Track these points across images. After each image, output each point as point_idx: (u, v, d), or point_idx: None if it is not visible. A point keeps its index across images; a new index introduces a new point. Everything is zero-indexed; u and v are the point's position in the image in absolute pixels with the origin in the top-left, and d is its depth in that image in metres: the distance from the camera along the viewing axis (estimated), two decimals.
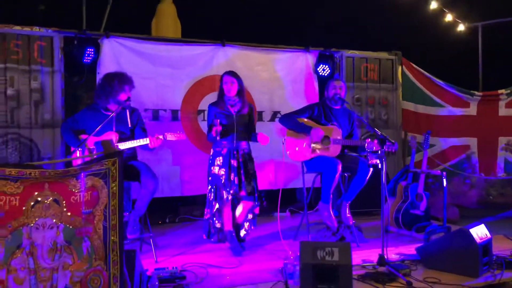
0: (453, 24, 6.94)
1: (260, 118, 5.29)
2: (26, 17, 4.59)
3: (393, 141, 3.50)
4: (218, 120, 3.62)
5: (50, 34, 4.42)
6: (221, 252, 3.70)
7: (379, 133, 3.45)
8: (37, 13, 5.23)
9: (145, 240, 3.67)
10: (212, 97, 4.58)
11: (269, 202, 5.53)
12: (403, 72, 6.00)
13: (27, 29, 4.34)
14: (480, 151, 6.09)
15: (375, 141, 3.73)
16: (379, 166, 3.37)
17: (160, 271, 2.96)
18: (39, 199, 2.23)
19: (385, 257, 3.21)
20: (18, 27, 4.31)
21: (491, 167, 6.02)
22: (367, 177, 3.88)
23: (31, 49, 4.34)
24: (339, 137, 3.93)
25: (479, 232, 3.12)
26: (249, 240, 4.00)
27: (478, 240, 3.03)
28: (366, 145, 3.77)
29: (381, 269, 3.13)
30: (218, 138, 3.61)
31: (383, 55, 5.92)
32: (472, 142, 6.14)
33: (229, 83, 3.77)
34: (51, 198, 2.24)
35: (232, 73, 3.82)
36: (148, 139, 3.53)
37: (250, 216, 3.87)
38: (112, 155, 2.33)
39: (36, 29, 4.37)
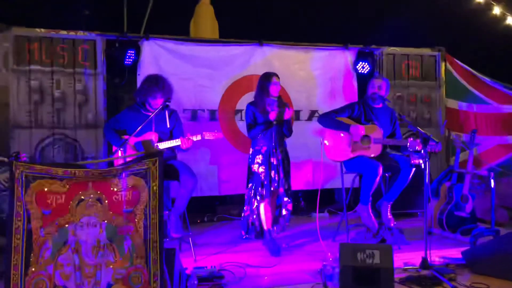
0: (501, 17, 6.61)
1: (298, 117, 5.25)
2: (72, 22, 4.76)
3: (436, 140, 3.37)
4: (270, 107, 3.75)
5: (93, 37, 4.57)
6: (259, 252, 3.70)
7: (422, 132, 3.33)
8: (82, 17, 5.43)
9: (184, 239, 3.72)
10: (249, 97, 4.58)
11: (307, 202, 5.48)
12: (446, 69, 5.79)
13: (72, 33, 4.52)
14: None
15: (418, 140, 3.60)
16: (422, 166, 3.26)
17: (199, 270, 2.99)
18: (83, 197, 2.31)
19: (428, 260, 3.10)
20: (64, 32, 4.49)
21: None
22: (409, 177, 3.75)
23: (76, 53, 4.52)
24: (379, 136, 3.83)
25: None
26: (287, 240, 3.98)
27: None
28: (408, 144, 3.64)
29: (424, 272, 3.02)
30: (274, 123, 3.72)
31: (426, 51, 5.73)
32: None
33: (279, 84, 3.88)
34: (94, 197, 2.31)
35: (277, 75, 3.90)
36: (179, 140, 3.58)
37: (284, 212, 3.87)
38: (153, 155, 2.37)
39: (80, 33, 4.54)
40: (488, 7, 6.48)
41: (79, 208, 2.29)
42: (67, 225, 2.27)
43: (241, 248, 3.84)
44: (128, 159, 2.71)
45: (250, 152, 3.91)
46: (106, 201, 2.31)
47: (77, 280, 2.22)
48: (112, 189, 2.33)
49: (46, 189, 2.29)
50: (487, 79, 5.88)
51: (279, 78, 3.90)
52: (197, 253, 3.59)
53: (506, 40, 6.54)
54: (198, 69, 4.93)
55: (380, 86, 3.93)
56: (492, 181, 3.94)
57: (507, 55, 6.79)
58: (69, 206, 2.28)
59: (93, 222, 2.29)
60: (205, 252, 3.70)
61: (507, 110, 5.90)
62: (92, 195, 2.31)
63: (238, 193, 4.98)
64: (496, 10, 6.53)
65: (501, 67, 6.62)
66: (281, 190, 3.79)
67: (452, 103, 5.89)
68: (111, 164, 3.71)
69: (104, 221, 2.29)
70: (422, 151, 3.27)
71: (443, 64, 5.76)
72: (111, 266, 2.26)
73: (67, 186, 2.31)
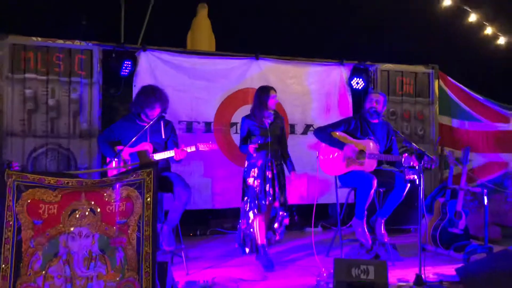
0: (493, 37, 6.72)
1: (293, 131, 5.26)
2: (69, 31, 4.76)
3: (432, 156, 3.38)
4: (267, 120, 3.82)
5: (90, 47, 4.57)
6: (252, 266, 3.65)
7: (417, 147, 3.35)
8: (79, 27, 5.43)
9: (177, 252, 3.67)
10: (245, 110, 4.59)
11: (300, 216, 5.46)
12: (439, 86, 5.85)
13: (69, 42, 4.51)
14: None
15: (413, 156, 3.61)
16: (416, 182, 3.26)
17: (191, 284, 2.95)
18: (76, 208, 2.27)
19: (422, 277, 3.08)
20: (60, 41, 4.48)
21: None
22: (404, 193, 3.75)
23: (72, 62, 4.50)
24: (375, 152, 3.84)
25: None
26: (280, 255, 3.94)
27: None
28: (403, 159, 3.65)
29: None
30: (254, 155, 3.72)
31: (420, 68, 5.79)
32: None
33: (276, 97, 3.89)
34: (87, 207, 2.28)
35: (274, 89, 3.92)
36: (173, 151, 3.56)
37: (276, 225, 3.85)
38: (147, 166, 2.35)
39: (77, 42, 4.54)
40: (481, 27, 6.59)
41: (71, 218, 2.25)
42: (58, 236, 2.23)
43: (234, 263, 3.80)
44: (122, 170, 2.68)
45: (246, 165, 3.89)
46: (99, 212, 2.28)
47: None
48: (105, 199, 2.30)
49: (38, 199, 2.25)
50: (479, 97, 5.96)
51: (275, 91, 3.91)
52: (190, 266, 3.54)
53: (498, 59, 6.64)
54: (194, 81, 4.94)
55: (378, 101, 3.96)
56: (485, 198, 3.96)
57: (499, 73, 6.90)
58: (61, 217, 2.24)
59: (85, 233, 2.25)
60: (198, 266, 3.65)
61: (500, 128, 5.96)
62: (85, 206, 2.28)
63: (231, 206, 4.94)
64: (488, 30, 6.64)
65: (493, 85, 6.71)
66: (276, 204, 3.77)
67: (445, 120, 5.95)
68: (104, 175, 3.67)
69: (96, 232, 2.26)
70: (417, 167, 3.27)
71: (436, 81, 5.83)
72: (103, 279, 2.21)
73: (60, 196, 2.27)
